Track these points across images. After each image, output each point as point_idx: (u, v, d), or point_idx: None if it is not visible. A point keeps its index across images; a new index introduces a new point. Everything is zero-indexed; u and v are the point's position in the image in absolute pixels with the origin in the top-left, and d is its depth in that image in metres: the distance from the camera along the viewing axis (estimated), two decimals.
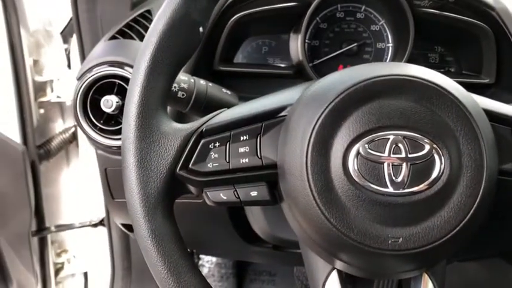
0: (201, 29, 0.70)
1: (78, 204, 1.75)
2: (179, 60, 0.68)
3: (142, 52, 0.64)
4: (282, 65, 1.51)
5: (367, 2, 1.44)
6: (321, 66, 1.49)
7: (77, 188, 1.73)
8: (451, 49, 1.48)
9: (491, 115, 0.65)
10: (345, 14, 1.46)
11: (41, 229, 1.59)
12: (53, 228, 1.66)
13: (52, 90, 1.63)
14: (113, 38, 1.23)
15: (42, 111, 1.64)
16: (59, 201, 1.74)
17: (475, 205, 0.58)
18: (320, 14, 1.46)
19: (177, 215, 0.64)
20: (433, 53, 1.50)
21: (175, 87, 0.99)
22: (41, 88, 1.62)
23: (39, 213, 1.58)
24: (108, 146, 0.99)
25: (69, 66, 1.69)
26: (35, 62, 1.57)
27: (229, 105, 1.12)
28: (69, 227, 1.70)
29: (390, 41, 1.47)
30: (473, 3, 1.29)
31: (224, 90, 1.15)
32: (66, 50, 1.68)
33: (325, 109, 0.61)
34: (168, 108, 0.80)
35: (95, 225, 1.69)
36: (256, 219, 1.25)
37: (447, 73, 1.47)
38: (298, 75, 1.44)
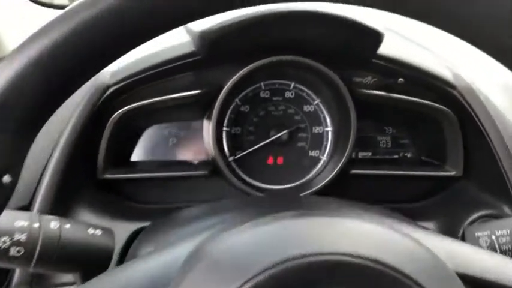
0: (6, 178, 0.44)
1: None
2: None
3: None
4: (195, 162, 1.18)
5: (297, 78, 1.14)
6: (245, 160, 1.17)
7: None
8: (406, 131, 1.19)
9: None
10: (271, 94, 1.16)
11: None
12: None
13: None
14: None
15: None
16: None
17: None
18: (240, 95, 1.15)
19: None
20: (383, 136, 1.20)
21: (3, 241, 0.65)
22: None
23: None
24: None
25: None
26: None
27: (99, 252, 0.81)
28: None
29: (329, 124, 1.17)
30: (430, 82, 1.02)
31: (92, 230, 0.81)
32: None
33: None
34: None
35: None
36: None
37: (402, 160, 1.18)
38: (215, 174, 1.10)
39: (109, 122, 1.00)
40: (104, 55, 0.42)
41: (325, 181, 1.09)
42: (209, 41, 0.92)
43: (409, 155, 1.21)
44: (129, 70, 0.98)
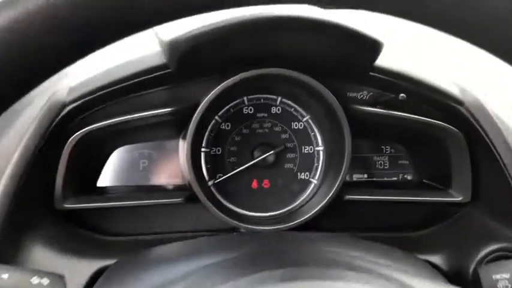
0: None
1: None
2: None
3: None
4: (170, 187, 1.04)
5: (284, 93, 1.02)
6: (226, 185, 1.04)
7: None
8: (406, 150, 1.07)
9: None
10: (255, 110, 1.04)
11: None
12: None
13: None
14: None
15: None
16: None
17: None
18: (220, 111, 1.02)
19: None
20: (381, 156, 1.08)
21: None
22: None
23: None
24: None
25: None
26: None
27: None
28: None
29: (320, 143, 1.04)
30: (434, 98, 0.90)
31: (37, 279, 0.67)
32: None
33: None
34: None
35: None
36: None
37: (402, 183, 1.06)
38: (192, 201, 0.97)
39: (67, 145, 0.86)
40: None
41: (316, 208, 0.96)
42: (181, 52, 0.80)
43: (409, 177, 1.09)
44: (89, 85, 0.85)
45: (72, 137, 0.86)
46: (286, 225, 0.96)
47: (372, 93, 0.94)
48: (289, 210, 1.04)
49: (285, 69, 0.88)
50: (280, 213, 1.04)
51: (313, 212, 0.96)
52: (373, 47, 0.82)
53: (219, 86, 0.88)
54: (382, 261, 0.63)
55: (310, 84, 0.91)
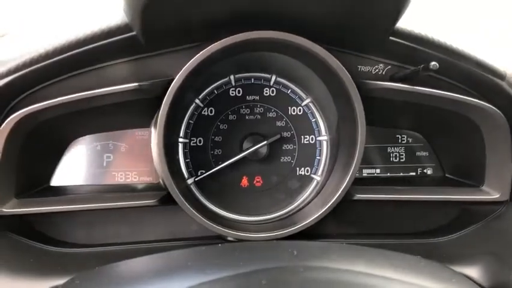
0: None
1: None
2: None
3: None
4: (139, 186, 0.85)
5: (279, 70, 0.84)
6: (210, 183, 0.85)
7: None
8: (426, 139, 0.90)
9: None
10: (244, 92, 0.85)
11: None
12: None
13: None
14: None
15: None
16: None
17: None
18: (202, 93, 0.83)
19: None
20: (396, 146, 0.90)
21: None
22: None
23: None
24: None
25: None
26: None
27: None
28: None
29: (323, 131, 0.86)
30: (469, 70, 0.71)
31: None
32: None
33: None
34: None
35: None
36: None
37: (421, 179, 0.88)
38: (167, 202, 0.78)
39: (0, 131, 0.66)
40: None
41: (321, 211, 0.78)
42: (144, 6, 0.60)
43: (428, 172, 0.91)
44: (27, 55, 0.65)
45: (7, 120, 0.66)
46: (284, 231, 0.78)
47: (389, 67, 0.76)
48: (287, 213, 0.87)
49: (282, 33, 0.69)
50: (276, 217, 0.87)
51: (317, 215, 0.78)
52: (398, 2, 0.63)
53: (197, 55, 0.69)
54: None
55: (316, 53, 0.72)
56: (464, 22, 0.88)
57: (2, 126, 0.67)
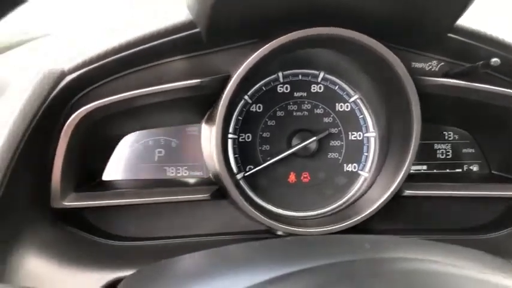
0: None
1: None
2: None
3: None
4: (191, 180, 0.86)
5: (327, 67, 0.84)
6: (258, 178, 0.86)
7: None
8: (472, 136, 0.90)
9: None
10: (292, 88, 0.86)
11: None
12: None
13: None
14: None
15: None
16: None
17: None
18: (250, 90, 0.84)
19: None
20: (442, 143, 0.91)
21: None
22: None
23: None
24: None
25: None
26: None
27: None
28: None
29: (371, 127, 0.87)
30: None
31: None
32: None
33: None
34: None
35: None
36: None
37: (466, 175, 0.88)
38: (218, 197, 0.79)
39: (67, 125, 0.68)
40: None
41: (373, 207, 0.78)
42: (213, 4, 0.61)
43: (474, 169, 0.92)
44: (94, 51, 0.67)
45: (73, 116, 0.68)
46: (336, 226, 0.78)
47: (442, 63, 0.76)
48: (335, 208, 0.87)
49: (346, 30, 0.70)
50: (324, 213, 0.87)
51: (370, 211, 0.78)
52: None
53: (259, 51, 0.70)
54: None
55: (375, 50, 0.72)
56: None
57: (69, 121, 0.68)
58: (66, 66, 0.67)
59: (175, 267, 0.58)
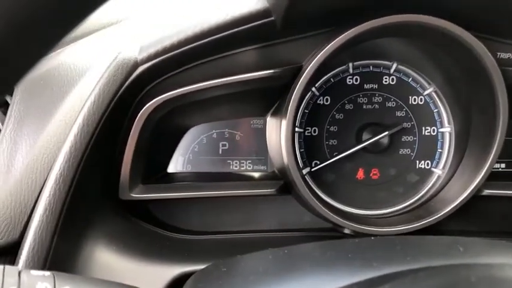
0: None
1: None
2: None
3: None
4: (256, 174, 0.84)
5: (400, 57, 0.80)
6: (325, 174, 0.83)
7: None
8: None
9: None
10: (362, 80, 0.82)
11: None
12: None
13: None
14: None
15: None
16: None
17: None
18: (318, 82, 0.81)
19: None
20: None
21: None
22: None
23: None
24: None
25: None
26: None
27: None
28: None
29: (446, 122, 0.82)
30: None
31: None
32: None
33: None
34: None
35: None
36: None
37: None
38: (284, 192, 0.77)
39: (139, 116, 0.67)
40: None
41: (450, 206, 0.73)
42: None
43: None
44: (166, 41, 0.65)
45: (145, 107, 0.66)
46: (407, 227, 0.74)
47: None
48: (406, 207, 0.83)
49: (433, 18, 0.65)
50: (394, 211, 0.83)
51: (446, 211, 0.74)
52: None
53: (336, 40, 0.66)
54: None
55: (463, 39, 0.67)
56: None
57: (141, 113, 0.67)
58: (139, 56, 0.65)
59: (260, 264, 0.56)
